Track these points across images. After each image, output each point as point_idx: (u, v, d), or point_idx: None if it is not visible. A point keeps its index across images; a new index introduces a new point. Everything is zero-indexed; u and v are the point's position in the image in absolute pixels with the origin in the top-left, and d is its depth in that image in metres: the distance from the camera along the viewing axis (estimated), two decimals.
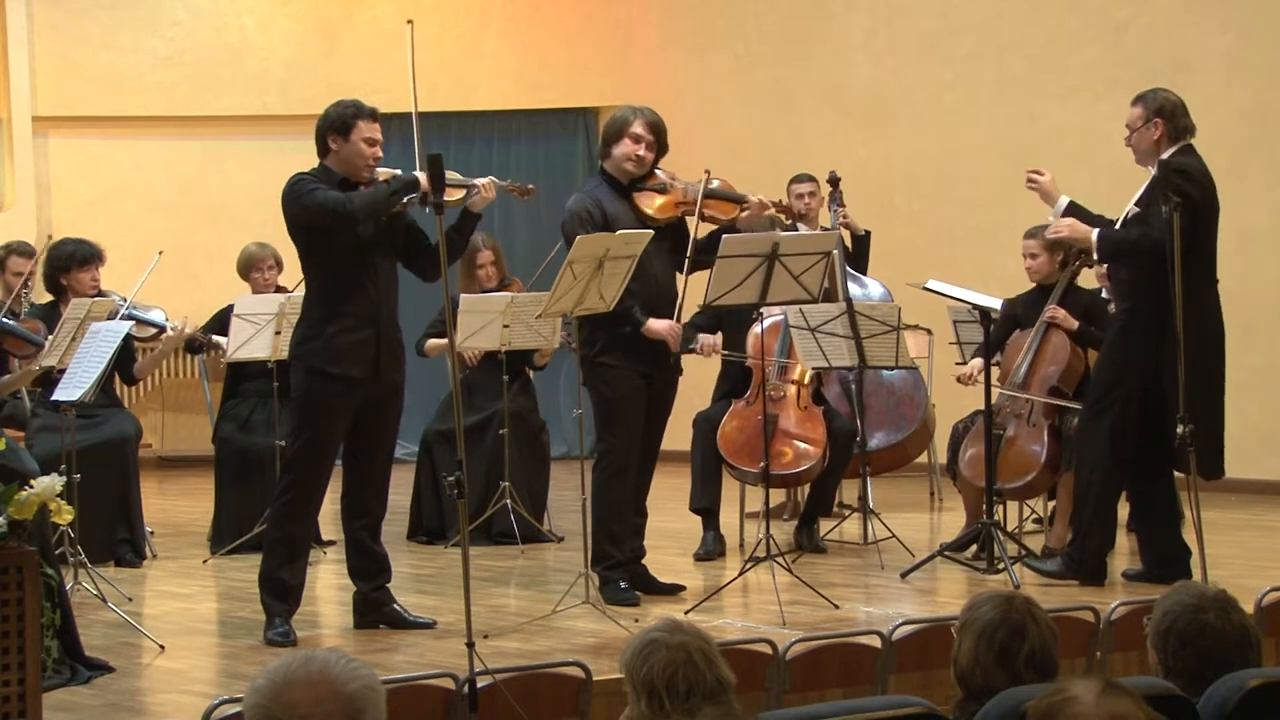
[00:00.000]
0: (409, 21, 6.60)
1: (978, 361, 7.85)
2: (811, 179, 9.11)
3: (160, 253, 7.71)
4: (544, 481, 8.72)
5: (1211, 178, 6.85)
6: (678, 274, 6.95)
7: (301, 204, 6.10)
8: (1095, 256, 7.09)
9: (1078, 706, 2.85)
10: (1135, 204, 6.92)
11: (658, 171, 6.90)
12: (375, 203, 6.12)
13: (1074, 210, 7.06)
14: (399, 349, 6.33)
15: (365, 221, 6.11)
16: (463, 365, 8.67)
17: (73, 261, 7.96)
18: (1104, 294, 7.93)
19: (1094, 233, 6.92)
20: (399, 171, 6.38)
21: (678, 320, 6.84)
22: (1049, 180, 7.12)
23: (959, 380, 8.21)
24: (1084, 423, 7.10)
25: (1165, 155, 6.80)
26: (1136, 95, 6.99)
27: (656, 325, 6.75)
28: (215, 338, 8.33)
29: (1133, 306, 6.92)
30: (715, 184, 6.90)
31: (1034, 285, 8.00)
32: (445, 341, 8.23)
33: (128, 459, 7.97)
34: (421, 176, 6.09)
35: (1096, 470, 6.93)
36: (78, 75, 12.53)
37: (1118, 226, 6.95)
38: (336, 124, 6.20)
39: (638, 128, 6.78)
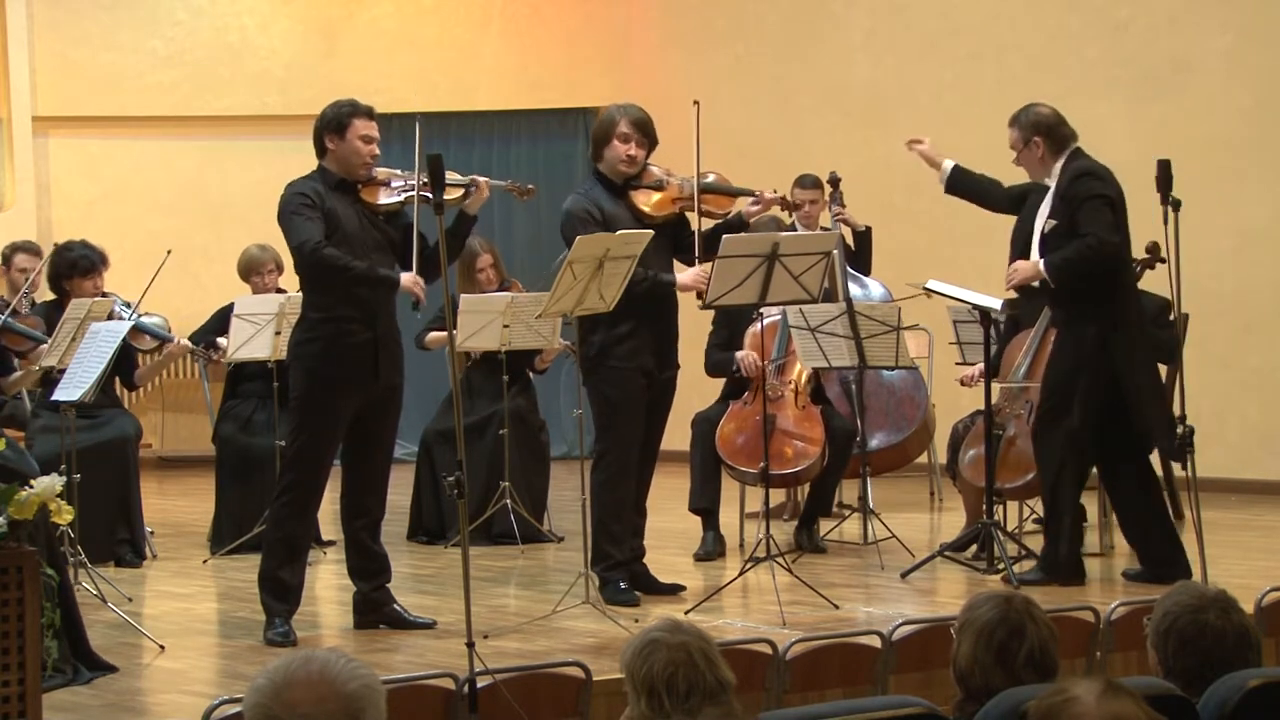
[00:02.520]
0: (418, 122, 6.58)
1: (980, 365, 7.88)
2: (816, 184, 9.09)
3: (169, 252, 7.68)
4: (544, 481, 8.72)
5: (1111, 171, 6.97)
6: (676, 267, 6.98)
7: (283, 223, 6.15)
8: (1052, 286, 7.09)
9: (1079, 707, 2.85)
10: (1050, 217, 6.97)
11: (652, 168, 6.89)
12: (344, 271, 6.08)
13: (959, 174, 7.30)
14: (397, 350, 6.33)
15: (325, 276, 6.10)
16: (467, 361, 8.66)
17: (74, 271, 7.98)
18: None
19: (1041, 265, 6.98)
20: (397, 171, 6.38)
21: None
22: (929, 146, 7.34)
23: (961, 382, 8.25)
24: (1041, 428, 7.10)
25: (1058, 165, 6.95)
26: (1012, 116, 7.12)
27: (685, 278, 6.77)
28: (219, 340, 8.32)
29: (1076, 310, 6.95)
30: (711, 178, 6.91)
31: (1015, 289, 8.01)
32: (445, 335, 8.28)
33: (128, 459, 7.97)
34: (404, 279, 6.11)
35: (1061, 474, 6.96)
36: (78, 75, 12.53)
37: (1035, 241, 7.01)
38: (332, 123, 6.21)
39: (624, 127, 6.78)
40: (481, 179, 6.39)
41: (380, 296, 6.21)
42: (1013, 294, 8.05)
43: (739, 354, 8.12)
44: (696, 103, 6.93)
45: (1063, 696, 2.89)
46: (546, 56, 13.27)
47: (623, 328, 6.69)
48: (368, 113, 6.25)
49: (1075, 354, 6.94)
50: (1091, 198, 6.82)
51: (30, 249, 8.64)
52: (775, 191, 6.98)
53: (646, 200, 6.84)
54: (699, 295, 6.77)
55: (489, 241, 8.94)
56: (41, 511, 4.99)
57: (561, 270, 6.26)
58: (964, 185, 7.35)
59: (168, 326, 8.17)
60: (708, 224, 6.94)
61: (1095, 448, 6.98)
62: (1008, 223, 8.29)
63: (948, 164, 7.30)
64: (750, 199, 6.94)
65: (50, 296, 8.21)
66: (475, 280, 8.65)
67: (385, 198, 6.29)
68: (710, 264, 6.69)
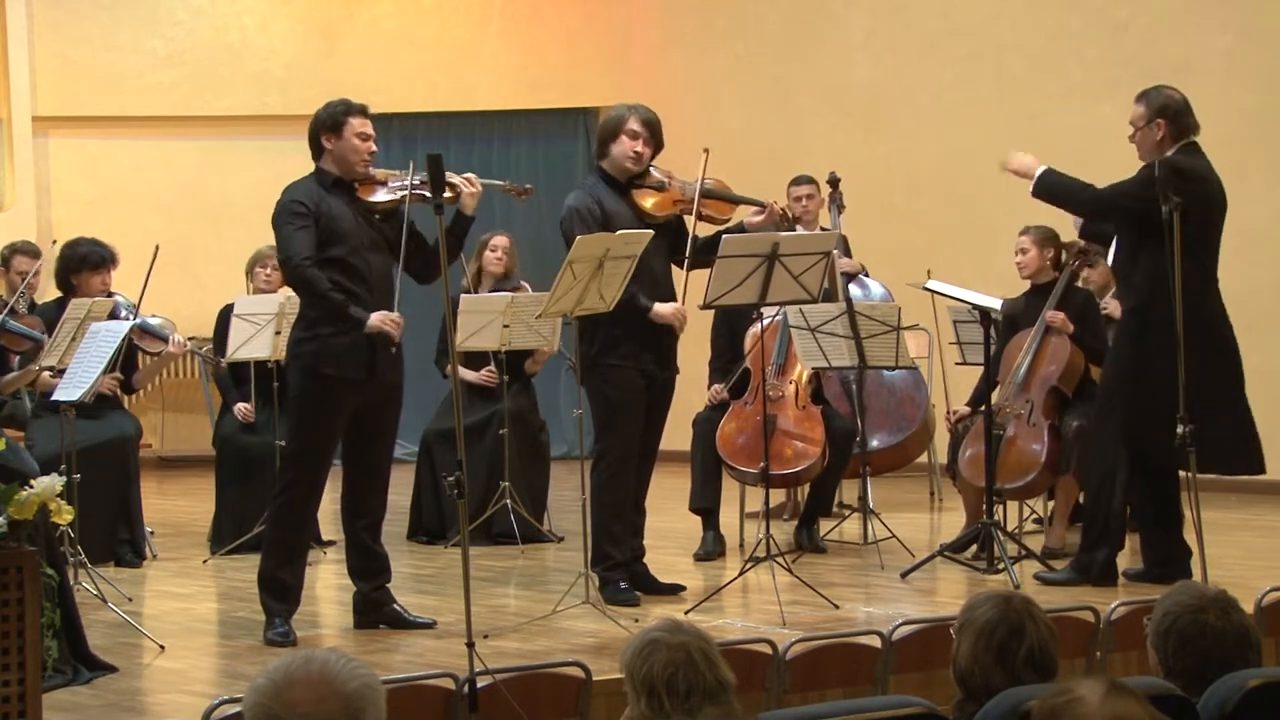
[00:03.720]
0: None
1: (964, 409, 8.02)
2: (811, 182, 9.11)
3: (157, 247, 7.65)
4: (544, 481, 8.72)
5: (1215, 176, 6.84)
6: (675, 268, 6.97)
7: (275, 231, 6.20)
8: (1030, 190, 7.08)
9: (1082, 707, 2.84)
10: None
11: (654, 169, 6.90)
12: (321, 297, 6.08)
13: (1051, 174, 7.04)
14: (396, 350, 6.32)
15: (304, 293, 6.17)
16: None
17: (84, 265, 7.97)
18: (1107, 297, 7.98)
19: (1040, 167, 6.92)
20: (395, 170, 6.38)
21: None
22: (1020, 160, 7.08)
23: (950, 423, 8.15)
24: (1094, 425, 7.08)
25: (1168, 155, 6.79)
26: (1140, 92, 6.96)
27: (662, 309, 6.76)
28: (222, 361, 8.35)
29: (1137, 306, 6.91)
30: (709, 183, 6.90)
31: (1029, 286, 8.00)
32: (463, 372, 8.35)
33: (128, 459, 7.97)
34: (372, 319, 6.06)
35: (1109, 475, 6.89)
36: (78, 75, 12.53)
37: None
38: (328, 123, 6.23)
39: (634, 124, 6.78)
40: (466, 175, 6.39)
41: (380, 295, 6.21)
42: (1010, 294, 8.08)
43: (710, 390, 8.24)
44: (706, 150, 6.89)
45: (1066, 696, 2.88)
46: (546, 56, 13.28)
47: (622, 328, 6.69)
48: (362, 110, 6.27)
49: (1130, 355, 6.88)
50: (1143, 178, 6.72)
51: (29, 250, 8.61)
52: (777, 204, 6.97)
53: (647, 200, 6.84)
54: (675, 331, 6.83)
55: (509, 233, 9.00)
56: (41, 511, 4.99)
57: (561, 270, 6.26)
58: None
59: (172, 327, 8.17)
60: (705, 231, 6.93)
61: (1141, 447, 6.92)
62: (1008, 224, 8.31)
63: (1040, 168, 7.10)
64: (753, 209, 6.93)
65: (51, 297, 8.19)
66: (483, 258, 8.67)
67: (382, 196, 6.30)
68: (706, 263, 6.72)
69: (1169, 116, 6.84)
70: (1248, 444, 6.88)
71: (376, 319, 6.08)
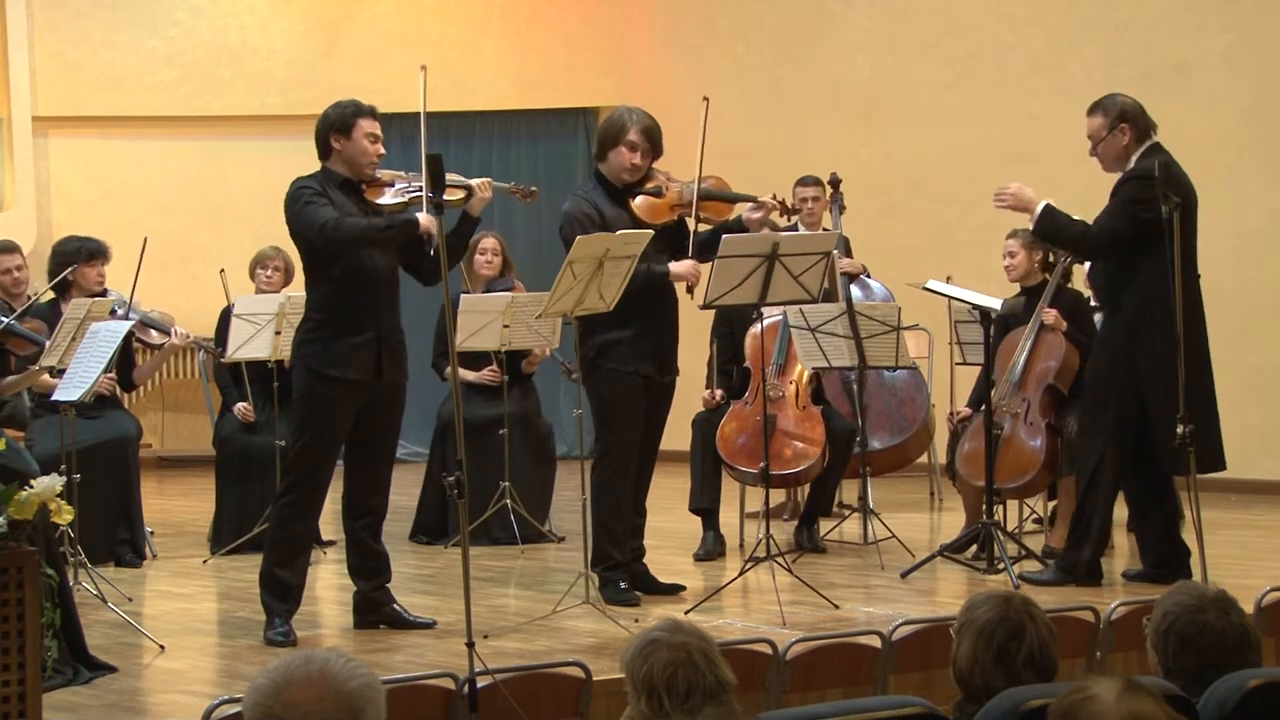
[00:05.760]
0: (422, 67, 6.59)
1: (965, 410, 8.02)
2: (817, 183, 9.11)
3: (145, 239, 7.60)
4: (550, 484, 8.71)
5: (1183, 172, 6.82)
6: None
7: (295, 214, 6.14)
8: (1030, 227, 7.08)
9: (1098, 705, 2.84)
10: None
11: (654, 172, 6.89)
12: (366, 233, 6.10)
13: (1050, 212, 6.99)
14: (401, 350, 6.33)
15: (351, 248, 6.10)
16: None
17: (79, 256, 7.96)
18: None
19: (1041, 204, 6.88)
20: (401, 172, 6.39)
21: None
22: (1016, 190, 6.98)
23: (952, 423, 8.14)
24: (1082, 424, 7.09)
25: (1135, 157, 6.80)
26: (1092, 104, 6.96)
27: (678, 267, 6.76)
28: (222, 354, 8.35)
29: (1113, 307, 6.92)
30: (710, 184, 6.90)
31: (1018, 289, 8.00)
32: (463, 373, 8.34)
33: (128, 459, 7.97)
34: (422, 218, 6.14)
35: (1097, 473, 6.90)
36: (78, 75, 12.53)
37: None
38: (337, 123, 6.22)
39: (634, 135, 6.77)
40: (481, 180, 6.39)
41: (382, 295, 6.21)
42: (1009, 294, 8.08)
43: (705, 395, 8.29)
44: (706, 99, 6.91)
45: (1082, 695, 2.87)
46: (546, 56, 13.27)
47: (623, 330, 6.69)
48: (371, 112, 6.26)
49: (1111, 353, 6.89)
50: (1126, 201, 6.74)
51: (8, 247, 8.49)
52: (775, 196, 6.97)
53: (645, 206, 6.83)
54: (689, 290, 6.77)
55: (496, 232, 8.97)
56: (41, 511, 4.99)
57: (561, 270, 6.26)
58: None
59: (172, 321, 8.17)
60: (704, 227, 6.93)
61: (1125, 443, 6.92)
62: (1006, 224, 8.31)
63: (1041, 204, 7.10)
64: (750, 205, 6.93)
65: (47, 297, 8.18)
66: (474, 262, 8.65)
67: (389, 199, 6.30)
68: (705, 260, 6.71)
69: (1131, 120, 6.85)
70: (1217, 444, 6.87)
71: (425, 219, 6.12)
